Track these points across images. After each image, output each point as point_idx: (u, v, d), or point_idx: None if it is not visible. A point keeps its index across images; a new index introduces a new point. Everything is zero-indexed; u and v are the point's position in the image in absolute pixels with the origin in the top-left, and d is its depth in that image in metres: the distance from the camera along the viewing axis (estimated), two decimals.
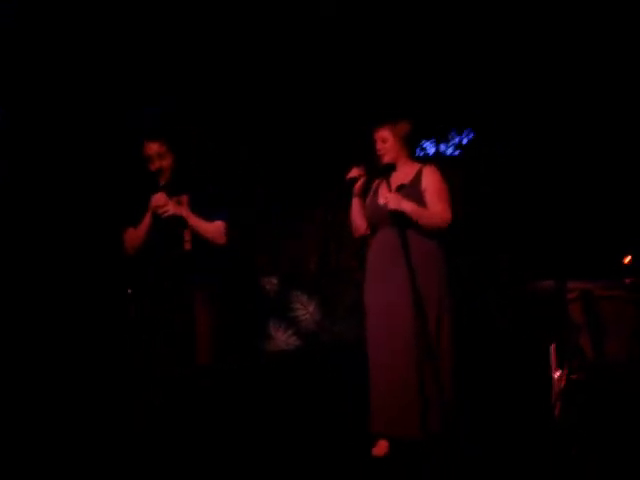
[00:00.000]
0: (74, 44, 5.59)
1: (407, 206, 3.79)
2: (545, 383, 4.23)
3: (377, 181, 4.11)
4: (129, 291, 5.45)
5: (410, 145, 4.02)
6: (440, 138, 6.26)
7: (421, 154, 6.26)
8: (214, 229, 4.03)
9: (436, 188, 3.88)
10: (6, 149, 5.73)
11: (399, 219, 3.78)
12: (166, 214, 3.96)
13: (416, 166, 3.96)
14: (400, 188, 3.84)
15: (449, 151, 6.25)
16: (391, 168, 3.94)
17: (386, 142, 3.97)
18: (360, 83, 5.92)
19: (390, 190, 3.78)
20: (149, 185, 4.09)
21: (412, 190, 3.90)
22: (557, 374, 4.27)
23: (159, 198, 3.99)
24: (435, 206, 3.85)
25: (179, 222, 4.01)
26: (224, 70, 5.93)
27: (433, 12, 5.57)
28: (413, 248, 3.57)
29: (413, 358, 3.73)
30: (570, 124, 5.68)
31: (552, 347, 4.33)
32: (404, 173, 3.95)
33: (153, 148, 4.05)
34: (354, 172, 4.01)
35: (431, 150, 6.25)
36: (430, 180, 3.89)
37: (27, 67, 5.65)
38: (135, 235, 4.10)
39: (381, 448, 3.90)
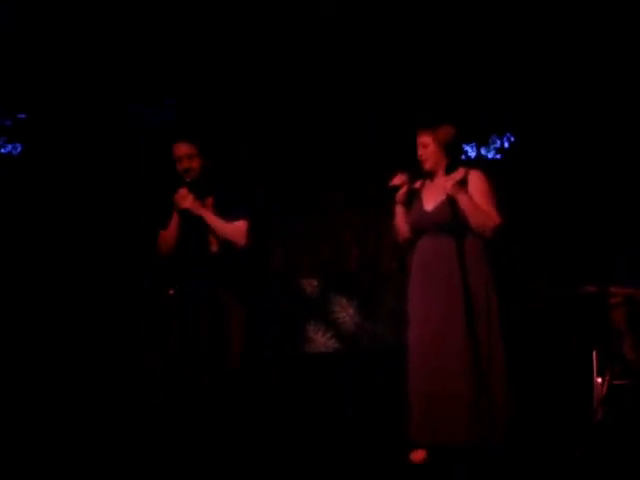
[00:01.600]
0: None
1: (463, 196, 3.75)
2: (588, 389, 4.20)
3: (420, 186, 4.07)
4: (171, 292, 5.55)
5: (452, 150, 3.97)
6: (481, 142, 6.23)
7: (463, 158, 6.25)
8: (233, 229, 4.02)
9: (484, 191, 3.83)
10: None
11: (447, 225, 3.77)
12: (182, 207, 4.00)
13: (461, 171, 3.92)
14: (451, 169, 3.83)
15: (490, 155, 6.22)
16: (432, 174, 3.94)
17: (427, 147, 3.93)
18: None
19: (449, 178, 3.78)
20: (175, 186, 4.10)
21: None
22: (599, 380, 4.24)
23: (181, 192, 4.03)
24: (486, 207, 3.81)
25: (202, 224, 4.03)
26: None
27: (471, 11, 5.56)
28: (463, 252, 3.62)
29: (466, 364, 3.69)
30: (613, 128, 5.63)
31: (594, 353, 4.29)
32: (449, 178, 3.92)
33: (183, 149, 4.07)
34: (397, 179, 3.96)
35: (472, 154, 6.23)
36: (477, 184, 3.85)
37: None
38: (166, 235, 4.13)
39: (419, 454, 3.87)
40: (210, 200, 4.11)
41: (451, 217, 3.76)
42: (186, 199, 4.01)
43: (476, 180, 3.86)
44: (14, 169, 5.92)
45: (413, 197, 3.99)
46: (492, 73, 5.84)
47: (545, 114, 5.87)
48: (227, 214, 4.04)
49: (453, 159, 3.97)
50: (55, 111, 5.95)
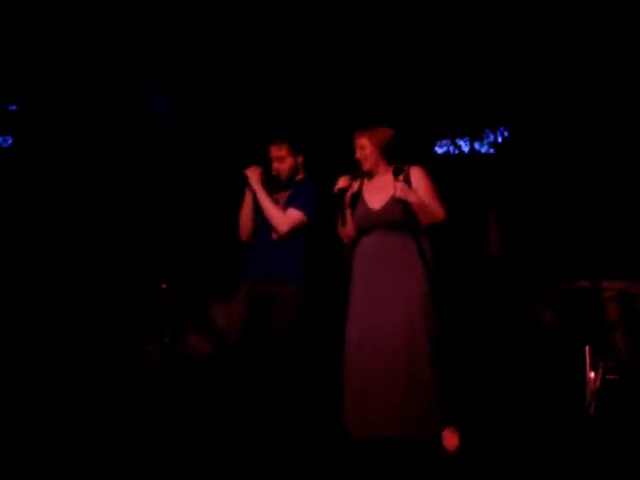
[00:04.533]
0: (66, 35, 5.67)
1: (413, 196, 3.83)
2: (581, 383, 4.20)
3: (360, 186, 4.10)
4: (163, 286, 5.56)
5: (391, 152, 4.01)
6: (474, 136, 6.23)
7: (456, 152, 6.25)
8: (278, 215, 4.07)
9: (428, 188, 3.92)
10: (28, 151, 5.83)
11: (395, 222, 3.87)
12: (246, 176, 4.10)
13: (403, 169, 3.97)
14: (398, 171, 3.85)
15: (484, 149, 6.22)
16: (371, 174, 4.01)
17: (365, 149, 4.00)
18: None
19: (397, 179, 3.83)
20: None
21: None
22: (592, 374, 4.24)
23: (253, 167, 4.13)
24: (431, 203, 3.90)
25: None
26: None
27: (466, 9, 5.56)
28: (409, 247, 3.79)
29: (401, 359, 3.77)
30: (605, 125, 5.63)
31: (587, 348, 4.30)
32: (390, 177, 3.94)
33: (273, 151, 4.15)
34: (342, 182, 4.01)
35: (466, 148, 6.23)
36: (420, 181, 3.94)
37: (19, 59, 5.74)
38: (243, 219, 4.20)
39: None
40: (287, 194, 4.18)
41: (400, 215, 3.87)
42: (253, 173, 4.11)
43: (419, 177, 3.94)
44: (4, 162, 5.89)
45: (356, 199, 4.05)
46: (486, 68, 5.83)
47: (539, 109, 5.86)
48: (290, 203, 4.10)
49: (393, 158, 4.01)
50: (46, 103, 5.92)
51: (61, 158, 5.85)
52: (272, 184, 4.18)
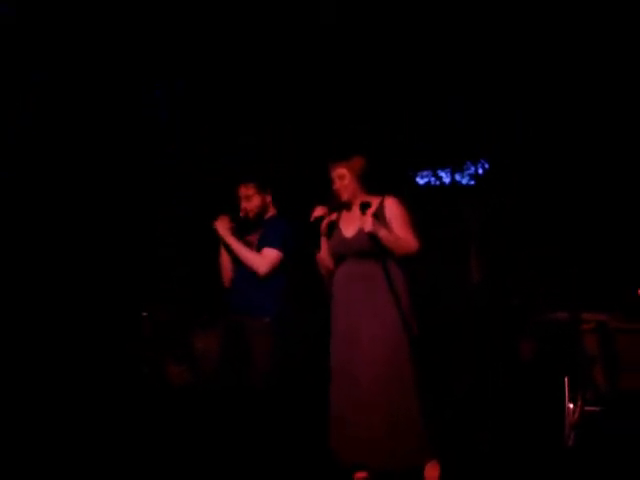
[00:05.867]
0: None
1: (383, 231, 3.85)
2: (559, 415, 4.21)
3: (338, 216, 4.13)
4: (144, 314, 5.52)
5: (368, 180, 4.05)
6: (455, 168, 6.28)
7: (437, 183, 6.29)
8: (254, 258, 4.12)
9: (401, 218, 3.93)
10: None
11: (367, 251, 3.87)
12: (216, 229, 4.15)
13: (377, 199, 4.00)
14: (364, 207, 3.87)
15: (464, 181, 6.27)
16: (350, 204, 4.02)
17: (344, 179, 4.01)
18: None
19: (364, 214, 3.84)
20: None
21: (378, 221, 3.95)
22: (570, 406, 4.25)
23: (220, 220, 4.17)
24: (404, 235, 3.90)
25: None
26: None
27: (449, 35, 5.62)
28: (383, 274, 3.76)
29: (384, 386, 3.75)
30: (584, 157, 5.69)
31: (566, 379, 4.31)
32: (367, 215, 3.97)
33: (242, 191, 4.20)
34: (318, 211, 4.03)
35: (447, 179, 6.27)
36: (393, 211, 3.94)
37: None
38: (223, 267, 4.26)
39: (361, 475, 3.90)
40: (259, 232, 4.22)
41: (369, 245, 3.87)
42: (221, 223, 4.15)
43: (392, 207, 3.95)
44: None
45: (333, 227, 4.08)
46: (468, 99, 5.88)
47: (519, 140, 5.92)
48: (262, 242, 4.15)
49: (371, 187, 4.04)
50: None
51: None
52: (243, 226, 4.22)
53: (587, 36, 5.45)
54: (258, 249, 4.15)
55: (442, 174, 6.27)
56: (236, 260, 4.19)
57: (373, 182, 4.04)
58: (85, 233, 5.71)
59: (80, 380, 5.17)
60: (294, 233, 4.19)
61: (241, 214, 4.21)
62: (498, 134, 5.97)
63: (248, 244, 4.19)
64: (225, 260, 4.25)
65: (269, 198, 4.25)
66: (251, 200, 4.19)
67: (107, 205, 5.79)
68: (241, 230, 4.23)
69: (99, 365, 5.32)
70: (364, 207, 3.84)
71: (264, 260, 4.11)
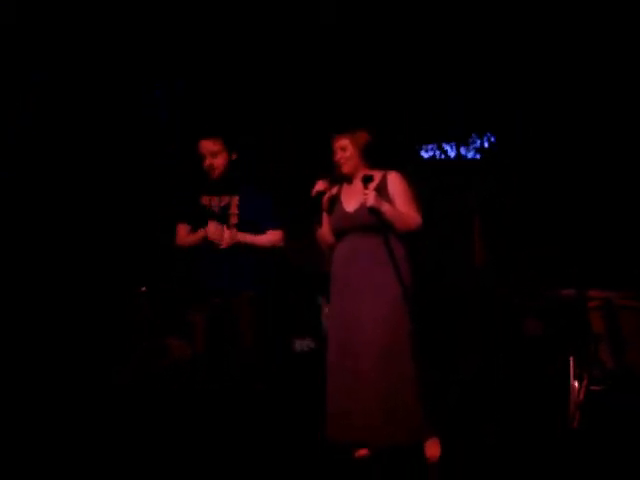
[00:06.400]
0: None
1: (385, 206, 3.79)
2: (564, 393, 4.17)
3: (338, 190, 4.06)
4: (143, 289, 5.49)
5: (371, 154, 3.97)
6: (460, 141, 6.21)
7: (442, 157, 6.22)
8: (268, 240, 4.10)
9: (404, 193, 3.88)
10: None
11: (369, 226, 3.82)
12: (222, 247, 4.01)
13: (379, 173, 3.92)
14: (367, 180, 3.80)
15: (470, 154, 6.19)
16: (351, 177, 3.96)
17: (346, 151, 3.95)
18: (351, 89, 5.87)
19: (367, 188, 3.77)
20: (197, 180, 4.15)
21: (381, 196, 3.88)
22: (576, 385, 4.20)
23: (214, 230, 4.02)
24: (406, 210, 3.86)
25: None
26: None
27: (456, 13, 5.54)
28: (385, 250, 3.71)
29: (381, 364, 3.71)
30: (593, 131, 5.63)
31: (571, 358, 4.26)
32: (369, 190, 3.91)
33: (207, 146, 4.07)
34: (320, 186, 3.98)
35: (452, 153, 6.20)
36: (396, 186, 3.89)
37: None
38: (185, 241, 4.17)
39: (362, 451, 3.88)
40: (235, 200, 4.12)
41: (371, 219, 3.81)
42: (222, 240, 4.02)
43: (395, 182, 3.90)
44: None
45: (334, 202, 4.02)
46: (474, 74, 5.81)
47: (526, 114, 5.85)
48: (256, 224, 4.09)
49: (374, 162, 3.98)
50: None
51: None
52: (209, 186, 4.12)
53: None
54: (244, 222, 4.06)
55: (447, 147, 6.20)
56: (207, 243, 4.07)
57: (376, 156, 3.98)
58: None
59: (77, 361, 5.16)
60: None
61: (213, 176, 4.10)
62: (505, 106, 5.91)
63: (223, 204, 4.10)
64: (192, 243, 4.13)
65: (234, 156, 4.13)
66: (217, 157, 4.07)
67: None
68: (208, 190, 4.14)
69: (97, 347, 5.32)
70: (366, 180, 3.78)
71: (274, 239, 4.12)
